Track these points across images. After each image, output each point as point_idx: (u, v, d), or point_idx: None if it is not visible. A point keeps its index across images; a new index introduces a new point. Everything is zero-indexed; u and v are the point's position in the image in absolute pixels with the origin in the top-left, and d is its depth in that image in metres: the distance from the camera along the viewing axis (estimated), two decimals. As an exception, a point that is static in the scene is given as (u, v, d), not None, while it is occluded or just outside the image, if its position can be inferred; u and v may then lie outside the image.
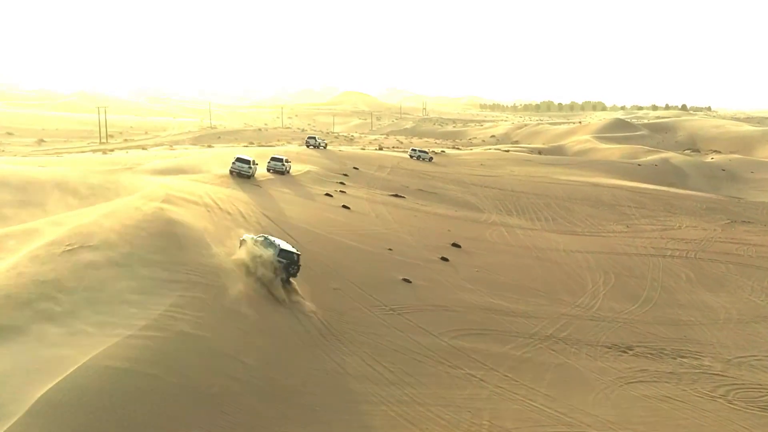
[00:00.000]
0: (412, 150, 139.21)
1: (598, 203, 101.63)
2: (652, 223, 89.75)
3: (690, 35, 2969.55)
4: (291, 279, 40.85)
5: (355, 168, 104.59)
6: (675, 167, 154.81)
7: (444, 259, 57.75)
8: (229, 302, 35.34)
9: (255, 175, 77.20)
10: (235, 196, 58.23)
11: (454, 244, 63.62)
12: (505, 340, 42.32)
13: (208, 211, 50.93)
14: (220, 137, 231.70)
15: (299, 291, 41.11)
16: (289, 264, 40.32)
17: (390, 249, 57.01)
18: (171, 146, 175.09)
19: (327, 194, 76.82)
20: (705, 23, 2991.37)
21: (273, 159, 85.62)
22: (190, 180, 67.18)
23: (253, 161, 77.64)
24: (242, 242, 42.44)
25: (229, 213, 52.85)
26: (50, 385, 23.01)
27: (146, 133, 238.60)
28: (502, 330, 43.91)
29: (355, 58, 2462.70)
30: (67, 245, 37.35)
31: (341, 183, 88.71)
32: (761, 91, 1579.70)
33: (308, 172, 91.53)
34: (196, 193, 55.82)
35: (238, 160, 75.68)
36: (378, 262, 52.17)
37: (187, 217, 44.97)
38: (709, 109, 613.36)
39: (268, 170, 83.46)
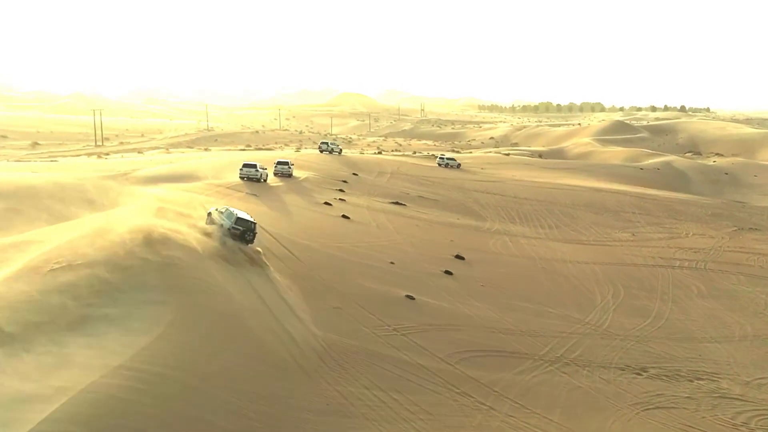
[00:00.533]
0: (440, 158, 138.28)
1: (602, 209, 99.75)
2: (658, 231, 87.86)
3: (687, 35, 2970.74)
4: (249, 245, 45.25)
5: (354, 174, 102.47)
6: (678, 171, 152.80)
7: (448, 272, 55.79)
8: (222, 329, 33.50)
9: (267, 180, 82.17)
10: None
11: (458, 256, 61.62)
12: (514, 362, 40.43)
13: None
14: (216, 140, 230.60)
15: (267, 263, 44.63)
16: (245, 231, 45.14)
17: (392, 263, 55.03)
18: (167, 149, 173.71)
19: (326, 203, 74.80)
20: (703, 23, 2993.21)
21: (279, 163, 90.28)
22: (185, 190, 65.32)
23: (261, 165, 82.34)
24: (209, 215, 47.78)
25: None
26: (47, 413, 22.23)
27: (142, 135, 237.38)
28: (511, 351, 42.02)
29: (354, 59, 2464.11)
30: (55, 263, 35.81)
31: (340, 190, 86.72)
32: (760, 92, 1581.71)
33: (306, 179, 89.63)
34: (190, 205, 53.77)
35: (245, 165, 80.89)
36: (380, 278, 50.17)
37: (179, 233, 43.05)
38: (707, 110, 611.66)
39: (276, 174, 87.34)
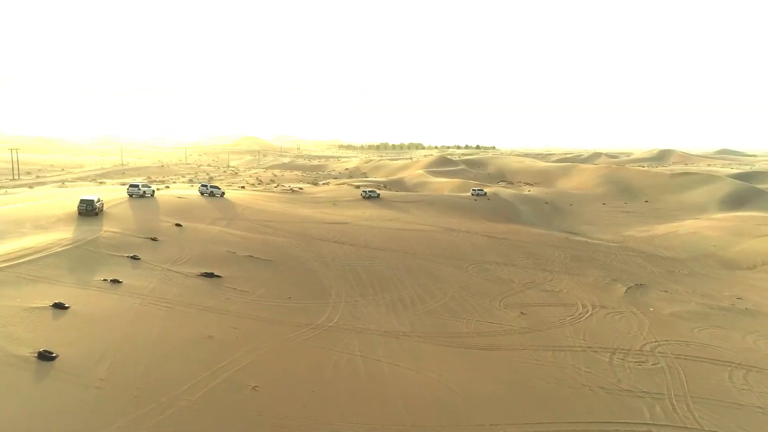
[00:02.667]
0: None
1: (463, 259, 57.31)
2: (545, 299, 45.80)
3: (476, 86, 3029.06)
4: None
5: (177, 225, 55.57)
6: (506, 202, 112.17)
7: None
8: None
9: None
10: None
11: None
12: None
13: None
14: (124, 173, 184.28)
15: None
16: (86, 206, 53.00)
17: None
18: (62, 183, 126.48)
19: (56, 304, 28.41)
20: (484, 76, 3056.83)
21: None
22: None
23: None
24: None
25: None
26: None
27: (63, 170, 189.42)
28: None
29: (257, 110, 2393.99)
30: None
31: (134, 257, 40.59)
32: (530, 133, 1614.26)
33: (96, 239, 43.24)
34: None
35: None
36: None
37: None
38: (494, 147, 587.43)
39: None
